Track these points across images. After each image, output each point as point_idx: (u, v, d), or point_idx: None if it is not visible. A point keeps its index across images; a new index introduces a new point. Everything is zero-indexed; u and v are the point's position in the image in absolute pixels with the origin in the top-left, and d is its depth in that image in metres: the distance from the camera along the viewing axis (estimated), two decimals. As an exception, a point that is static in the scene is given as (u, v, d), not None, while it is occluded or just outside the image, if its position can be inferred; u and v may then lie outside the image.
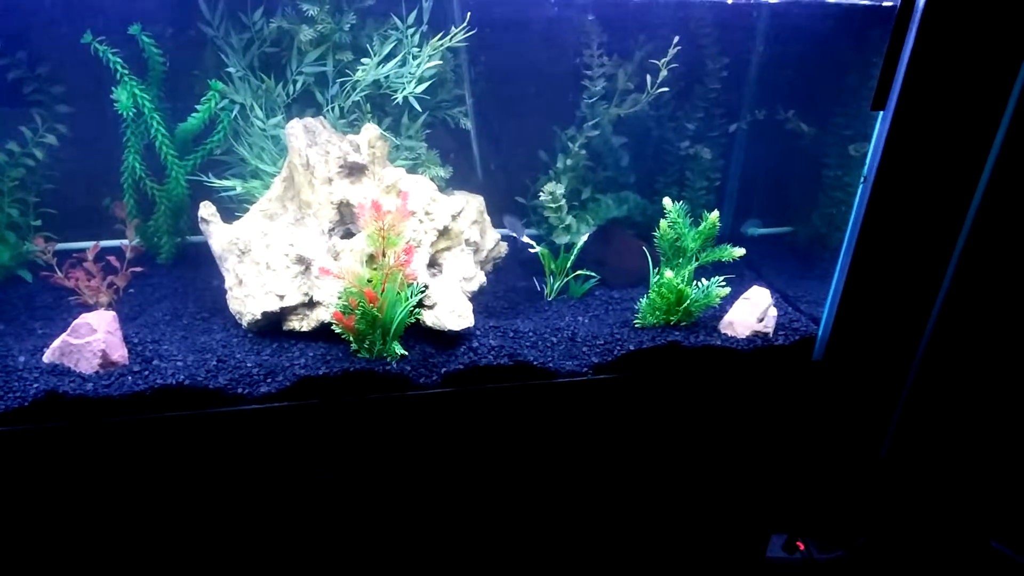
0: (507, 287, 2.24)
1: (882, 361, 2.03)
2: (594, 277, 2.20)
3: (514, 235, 2.17)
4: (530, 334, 1.95)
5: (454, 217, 1.95)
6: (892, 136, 1.72)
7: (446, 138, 2.27)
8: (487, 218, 2.17)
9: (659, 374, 1.92)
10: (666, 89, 2.04)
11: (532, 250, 2.12)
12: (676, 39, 1.97)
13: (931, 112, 1.71)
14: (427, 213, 1.91)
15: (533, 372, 1.84)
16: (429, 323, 1.83)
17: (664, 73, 2.01)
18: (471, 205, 2.08)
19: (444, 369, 1.80)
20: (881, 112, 1.73)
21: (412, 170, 2.13)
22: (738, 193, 2.59)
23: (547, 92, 2.30)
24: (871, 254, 1.84)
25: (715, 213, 1.92)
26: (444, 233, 1.94)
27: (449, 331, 1.82)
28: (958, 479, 2.27)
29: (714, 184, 2.40)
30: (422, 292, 1.84)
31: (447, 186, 2.19)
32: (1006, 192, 1.85)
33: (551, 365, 1.85)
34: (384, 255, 1.73)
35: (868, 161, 1.76)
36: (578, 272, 2.17)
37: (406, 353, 1.80)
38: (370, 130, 1.93)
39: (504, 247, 2.25)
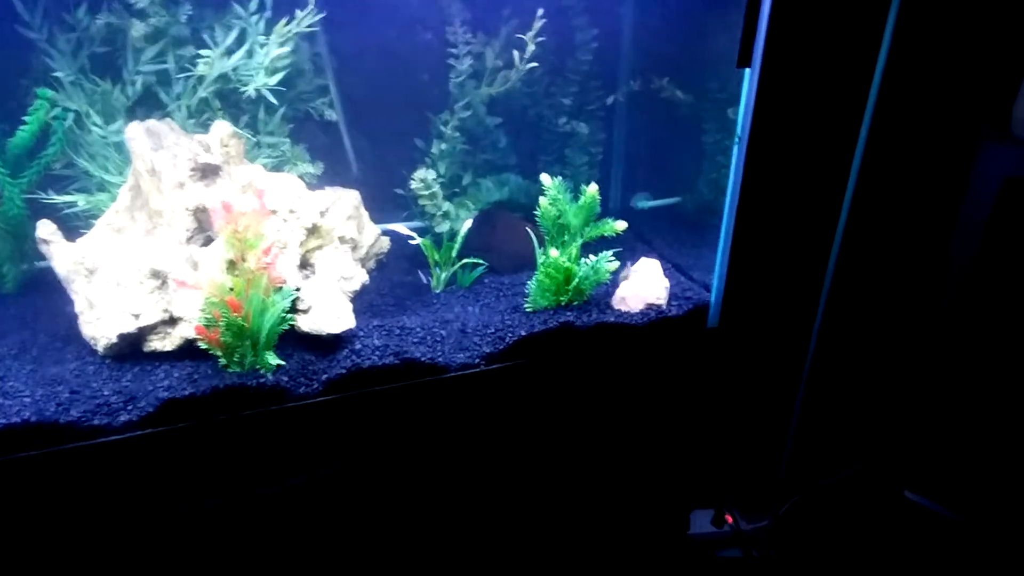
0: (392, 283, 2.18)
1: (780, 321, 2.05)
2: (482, 264, 2.17)
3: (397, 230, 2.11)
4: (417, 330, 1.90)
5: (323, 213, 1.88)
6: (762, 93, 1.73)
7: (316, 133, 2.21)
8: (364, 213, 2.10)
9: (554, 357, 1.89)
10: (535, 64, 2.03)
11: (412, 242, 2.08)
12: (540, 11, 1.96)
13: (800, 64, 1.70)
14: (292, 211, 1.84)
15: (422, 369, 1.79)
16: (305, 328, 1.75)
17: (532, 47, 2.00)
18: (344, 200, 2.01)
19: (325, 376, 1.72)
20: (748, 69, 1.74)
21: (278, 168, 2.06)
22: (624, 167, 2.60)
23: (418, 75, 2.26)
24: (753, 215, 1.85)
25: (593, 186, 1.91)
26: (313, 231, 1.87)
27: (327, 335, 1.75)
28: (869, 433, 2.35)
29: (596, 159, 2.40)
30: (294, 295, 1.77)
31: (320, 183, 2.12)
32: (887, 139, 1.88)
33: (441, 360, 1.81)
34: (245, 259, 1.66)
35: (740, 120, 1.77)
36: (465, 260, 2.13)
37: (283, 363, 1.72)
38: (221, 128, 1.85)
39: (386, 242, 2.19)
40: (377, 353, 1.78)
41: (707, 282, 2.12)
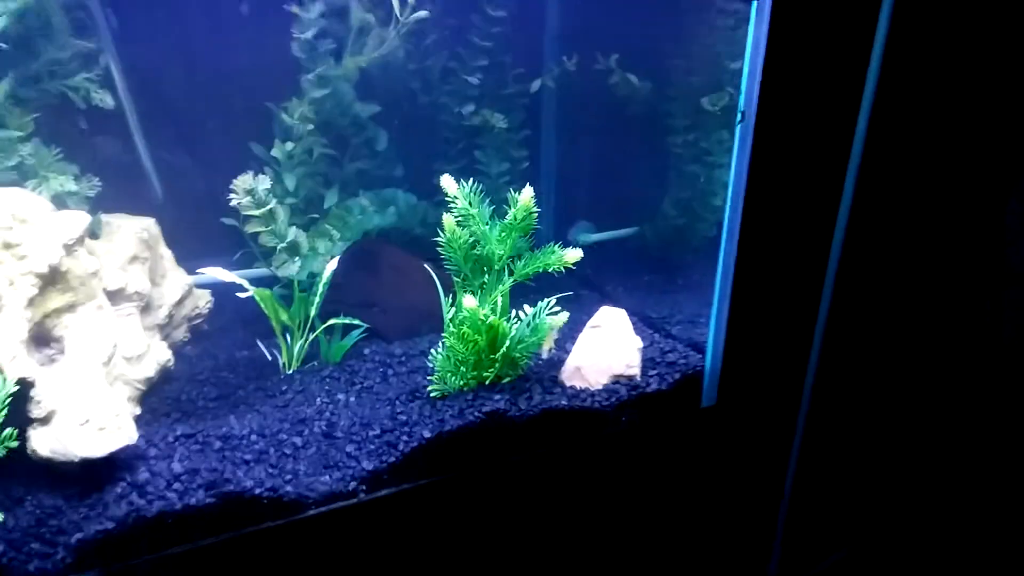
0: (218, 362, 1.65)
1: (799, 391, 1.70)
2: (359, 327, 1.69)
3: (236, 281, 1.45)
4: (252, 438, 1.36)
5: (70, 248, 1.19)
6: (776, 33, 1.25)
7: (93, 135, 1.60)
8: (165, 253, 1.55)
9: (478, 468, 1.43)
10: (424, 14, 1.42)
11: (244, 294, 1.43)
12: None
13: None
14: (7, 245, 1.12)
15: (255, 508, 1.24)
16: (43, 452, 1.18)
17: (416, -8, 1.40)
18: (125, 231, 1.45)
19: (77, 535, 1.15)
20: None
21: (18, 184, 1.39)
22: (556, 184, 2.13)
23: (255, 41, 1.68)
24: (765, 230, 1.44)
25: (527, 192, 1.36)
26: (55, 279, 1.19)
27: (81, 460, 1.17)
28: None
29: (520, 167, 1.91)
30: (9, 394, 1.13)
31: (96, 209, 1.49)
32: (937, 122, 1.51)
33: (290, 490, 1.27)
34: None
35: (744, 84, 1.31)
36: (332, 321, 1.64)
37: (-5, 518, 1.13)
38: None
39: (205, 299, 1.66)
40: (177, 485, 1.24)
41: (693, 339, 1.72)
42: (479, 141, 1.87)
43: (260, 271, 1.73)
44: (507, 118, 1.83)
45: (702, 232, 1.94)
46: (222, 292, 1.66)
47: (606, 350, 1.55)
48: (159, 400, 1.45)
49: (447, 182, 1.37)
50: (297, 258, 1.53)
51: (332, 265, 1.57)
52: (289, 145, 1.53)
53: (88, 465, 1.19)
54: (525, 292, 1.55)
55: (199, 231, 1.65)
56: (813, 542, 2.05)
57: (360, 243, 1.75)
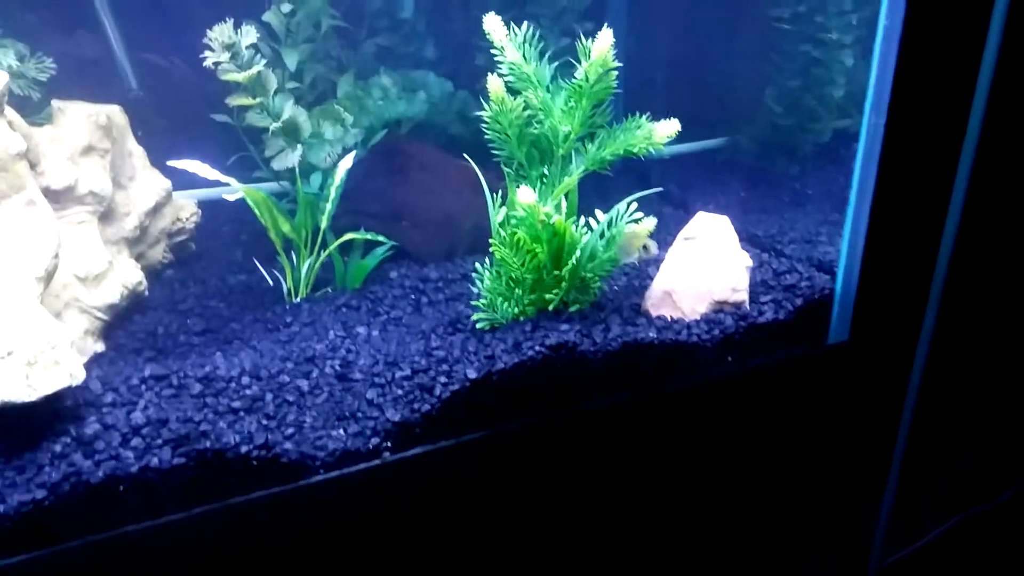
0: (206, 288, 1.45)
1: (916, 321, 1.47)
2: (384, 244, 1.47)
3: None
4: (242, 381, 1.15)
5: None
6: None
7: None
8: (135, 149, 1.30)
9: (540, 419, 1.23)
10: None
11: (230, 197, 1.19)
12: None
13: None
14: None
15: (242, 472, 1.04)
16: None
17: None
18: (75, 115, 1.19)
19: None
20: None
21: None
22: (626, 73, 1.78)
23: None
24: (916, 122, 1.23)
25: (605, 38, 1.04)
26: None
27: (3, 406, 0.96)
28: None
29: None
30: None
31: (44, 97, 1.27)
32: None
33: (289, 448, 1.07)
34: None
35: None
36: (348, 236, 1.41)
37: None
38: None
39: (190, 210, 1.49)
40: (135, 443, 1.02)
41: (815, 258, 1.49)
42: (531, 10, 1.57)
43: (268, 186, 1.45)
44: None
45: (815, 136, 1.72)
46: (215, 207, 1.44)
47: (705, 269, 1.31)
48: (128, 334, 1.25)
49: (491, 23, 1.07)
50: (297, 145, 1.26)
51: (347, 163, 1.30)
52: (286, 7, 1.26)
53: (13, 414, 0.99)
54: (590, 204, 1.29)
55: (184, 132, 1.41)
56: (924, 508, 1.89)
57: (384, 140, 1.48)
